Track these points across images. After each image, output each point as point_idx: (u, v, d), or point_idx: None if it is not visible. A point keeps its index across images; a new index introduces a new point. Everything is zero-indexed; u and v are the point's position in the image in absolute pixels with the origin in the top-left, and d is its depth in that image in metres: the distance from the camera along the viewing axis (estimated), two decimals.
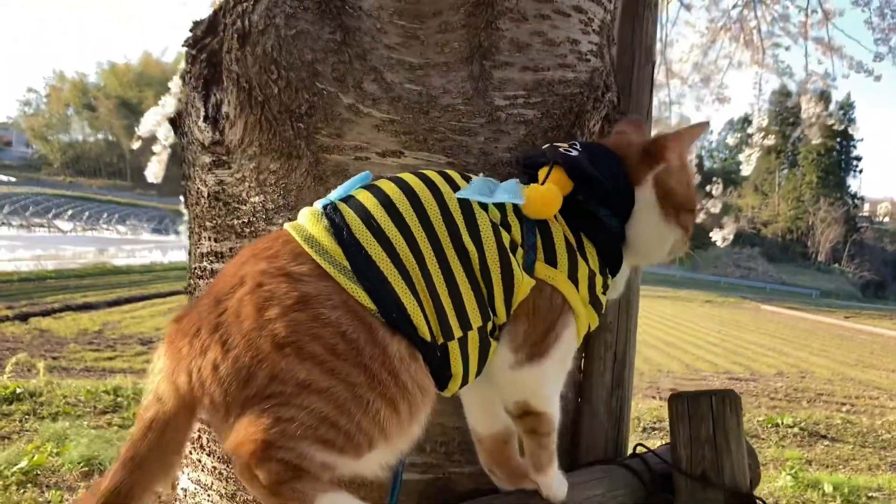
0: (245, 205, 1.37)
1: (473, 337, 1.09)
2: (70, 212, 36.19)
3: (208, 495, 1.41)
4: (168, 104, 3.75)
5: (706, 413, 1.40)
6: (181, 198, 1.57)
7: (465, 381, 1.13)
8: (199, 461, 1.41)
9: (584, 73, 1.42)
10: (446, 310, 1.05)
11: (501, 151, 1.35)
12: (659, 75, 5.42)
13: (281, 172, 1.32)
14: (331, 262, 1.02)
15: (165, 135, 3.86)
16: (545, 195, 1.14)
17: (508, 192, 1.13)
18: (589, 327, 1.22)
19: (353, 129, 1.30)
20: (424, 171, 1.14)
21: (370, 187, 1.11)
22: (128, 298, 15.54)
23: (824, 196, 62.56)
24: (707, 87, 5.57)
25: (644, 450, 1.52)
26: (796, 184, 65.39)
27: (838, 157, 66.00)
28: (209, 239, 1.44)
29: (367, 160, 1.30)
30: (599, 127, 1.45)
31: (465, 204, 1.10)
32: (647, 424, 6.81)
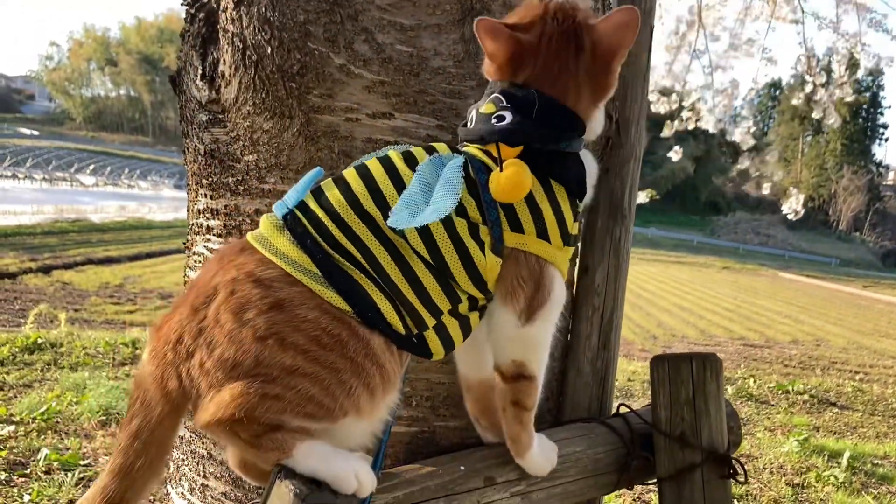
0: (239, 163, 1.40)
1: (449, 320, 1.13)
2: (92, 166, 36.46)
3: (203, 443, 1.46)
4: None
5: (686, 376, 1.43)
6: (182, 154, 1.61)
7: (449, 352, 1.17)
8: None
9: None
10: (414, 305, 1.08)
11: None
12: (698, 40, 5.32)
13: (273, 132, 1.35)
14: (300, 269, 1.05)
15: None
16: (511, 181, 1.10)
17: (445, 193, 1.07)
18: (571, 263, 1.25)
19: (344, 90, 1.32)
20: (369, 166, 1.13)
21: (318, 194, 1.11)
22: (148, 253, 15.75)
23: (848, 164, 61.55)
24: (751, 47, 5.46)
25: (626, 410, 1.56)
26: (820, 151, 64.30)
27: (864, 124, 64.71)
28: (205, 196, 1.48)
29: (358, 121, 1.32)
30: None
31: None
32: None
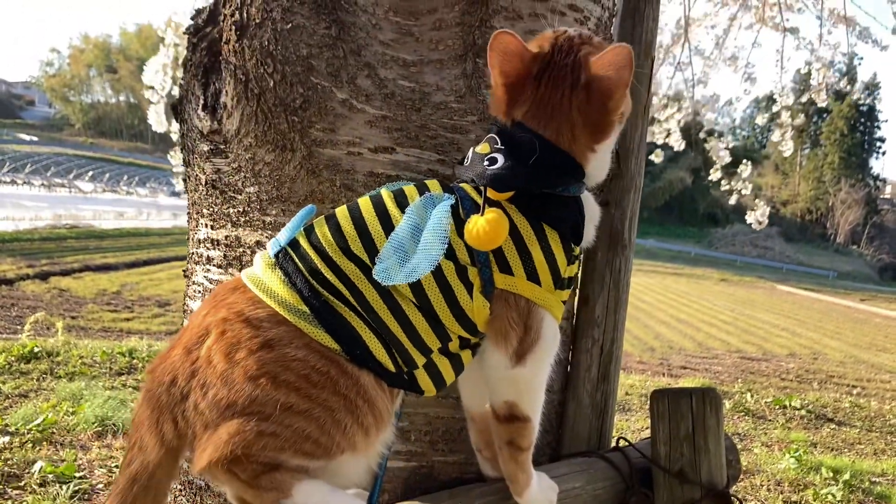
0: (240, 194, 1.40)
1: (439, 358, 1.13)
2: (91, 173, 36.46)
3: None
4: (164, 55, 3.87)
5: (686, 412, 1.43)
6: (182, 182, 1.60)
7: (441, 389, 1.17)
8: None
9: None
10: (404, 344, 1.09)
11: None
12: (682, 54, 5.36)
13: (275, 164, 1.35)
14: (289, 308, 1.05)
15: (161, 84, 3.95)
16: (487, 230, 1.06)
17: (429, 248, 1.06)
18: (564, 303, 1.22)
19: (346, 125, 1.32)
20: (361, 206, 1.12)
21: (309, 232, 1.11)
22: (146, 261, 15.72)
23: (845, 177, 61.73)
24: (734, 65, 5.50)
25: (626, 443, 1.55)
26: (818, 164, 64.53)
27: (861, 137, 64.96)
28: (206, 226, 1.48)
29: (360, 155, 1.33)
30: None
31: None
32: None
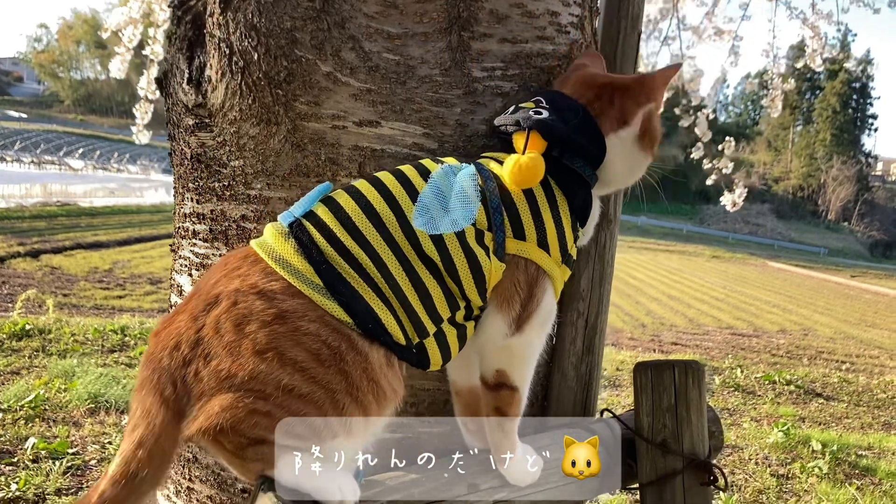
0: (226, 168, 1.40)
1: (448, 328, 1.15)
2: (81, 150, 36.19)
3: (188, 446, 1.47)
4: (134, 8, 3.86)
5: (669, 384, 1.45)
6: (169, 157, 1.60)
7: (446, 361, 1.18)
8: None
9: (563, 46, 1.43)
10: (418, 313, 1.10)
11: (478, 123, 1.37)
12: (671, 27, 5.33)
13: (260, 138, 1.35)
14: (303, 280, 1.05)
15: (129, 38, 3.93)
16: (528, 165, 1.14)
17: (465, 202, 1.13)
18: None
19: (330, 98, 1.32)
20: (381, 177, 1.15)
21: (328, 202, 1.13)
22: (138, 238, 15.70)
23: (837, 154, 61.87)
24: (721, 38, 5.47)
25: (610, 415, 1.57)
26: (810, 141, 64.54)
27: (854, 114, 64.99)
28: (192, 200, 1.48)
29: (345, 129, 1.32)
30: None
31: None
32: None
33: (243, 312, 1.02)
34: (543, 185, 1.19)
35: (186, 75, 1.43)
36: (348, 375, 1.04)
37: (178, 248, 1.55)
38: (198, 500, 1.45)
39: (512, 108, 1.25)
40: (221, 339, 1.02)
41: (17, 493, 3.34)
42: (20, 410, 4.35)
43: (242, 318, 1.02)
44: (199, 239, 1.47)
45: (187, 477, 1.46)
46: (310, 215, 1.11)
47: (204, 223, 1.45)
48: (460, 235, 1.11)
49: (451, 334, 1.16)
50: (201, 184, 1.44)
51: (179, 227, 1.54)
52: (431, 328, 1.12)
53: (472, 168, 1.18)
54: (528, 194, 1.18)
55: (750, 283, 21.05)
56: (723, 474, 1.46)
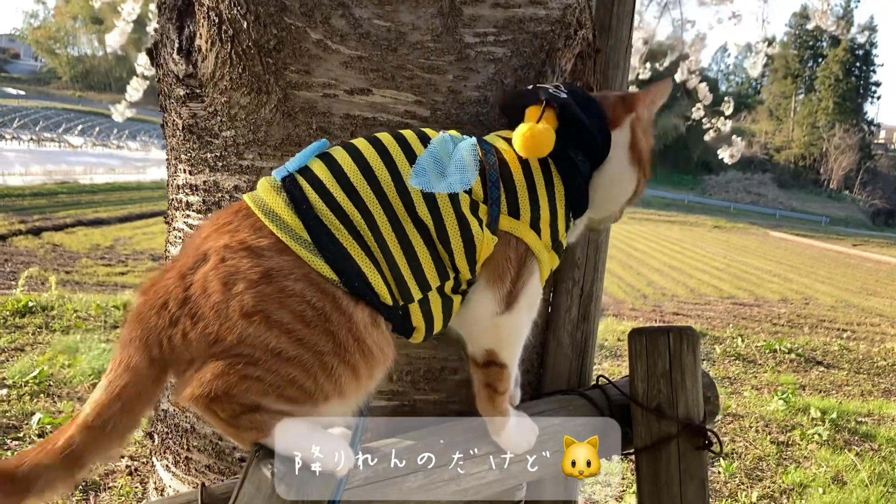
0: (217, 138, 1.39)
1: (434, 297, 1.14)
2: (80, 127, 36.01)
3: (186, 417, 1.48)
4: None
5: (663, 349, 1.45)
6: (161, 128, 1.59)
7: (429, 333, 1.18)
8: None
9: (556, 11, 1.41)
10: (405, 276, 1.09)
11: (470, 90, 1.36)
12: None
13: (251, 107, 1.34)
14: (291, 235, 1.05)
15: (129, 12, 3.88)
16: (541, 134, 1.15)
17: (463, 169, 1.14)
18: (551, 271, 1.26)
19: (321, 66, 1.30)
20: (381, 137, 1.15)
21: (325, 157, 1.12)
22: (139, 214, 15.69)
23: (840, 122, 61.41)
24: (722, 3, 5.42)
25: (605, 381, 1.58)
26: (812, 109, 64.01)
27: (856, 82, 64.41)
28: (184, 171, 1.47)
29: (336, 97, 1.31)
30: (572, 65, 1.45)
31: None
32: None
33: (230, 270, 1.02)
34: (543, 169, 1.20)
35: (176, 45, 1.42)
36: (334, 336, 1.03)
37: (172, 220, 1.54)
38: (196, 470, 1.46)
39: (529, 87, 1.26)
40: (209, 299, 1.01)
41: None
42: (25, 386, 4.38)
43: (229, 276, 1.01)
44: (193, 210, 1.46)
45: (185, 447, 1.48)
46: (304, 170, 1.11)
47: (197, 194, 1.45)
48: (455, 202, 1.11)
49: (435, 304, 1.15)
50: (193, 155, 1.44)
51: (173, 199, 1.53)
52: (417, 294, 1.11)
53: (472, 140, 1.19)
54: (527, 174, 1.18)
55: (751, 253, 21.04)
56: (718, 439, 1.46)
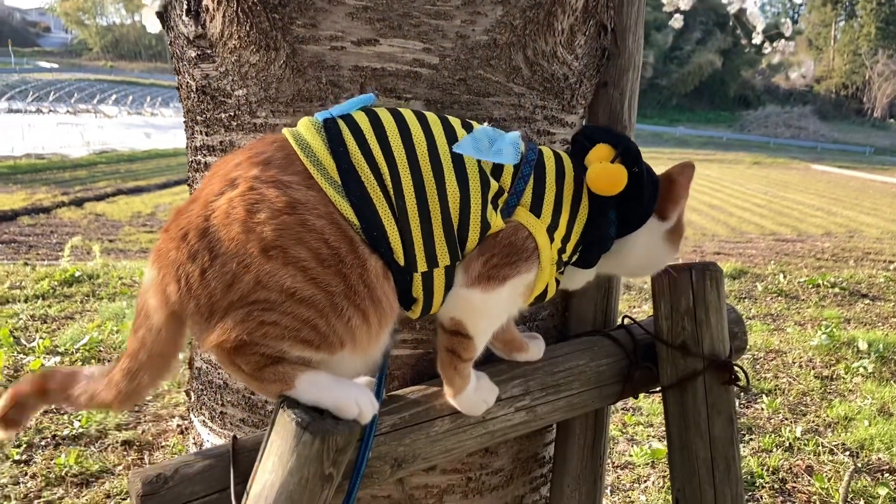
0: (230, 98, 1.40)
1: (439, 274, 1.13)
2: (114, 96, 36.38)
3: (218, 374, 1.52)
4: None
5: (686, 287, 1.44)
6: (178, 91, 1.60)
7: (426, 311, 1.18)
8: None
9: None
10: (415, 245, 1.09)
11: (479, 34, 1.33)
12: None
13: (260, 65, 1.34)
14: (322, 173, 1.05)
15: None
16: (616, 174, 1.18)
17: (509, 148, 1.16)
18: (541, 296, 1.26)
19: (327, 18, 1.29)
20: (426, 113, 1.16)
21: (368, 112, 1.13)
22: (177, 181, 15.87)
23: (883, 48, 58.93)
24: None
25: (630, 321, 1.58)
26: (853, 36, 61.47)
27: None
28: (201, 133, 1.48)
29: (343, 49, 1.31)
30: (584, 2, 1.41)
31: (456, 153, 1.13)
32: None
33: (257, 198, 1.02)
34: (576, 191, 1.22)
35: (185, 6, 1.42)
36: (346, 278, 1.04)
37: (193, 181, 1.57)
38: (231, 423, 1.51)
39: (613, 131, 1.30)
40: (230, 230, 1.01)
41: (81, 430, 3.51)
42: (76, 353, 4.53)
43: (254, 203, 1.02)
44: None
45: (220, 402, 1.52)
46: (346, 117, 1.12)
47: (214, 154, 1.46)
48: (485, 186, 1.13)
49: (439, 281, 1.14)
50: (208, 115, 1.45)
51: (192, 161, 1.55)
52: (422, 266, 1.11)
53: (518, 133, 1.21)
54: (559, 186, 1.20)
55: (793, 188, 20.57)
56: (745, 373, 1.46)
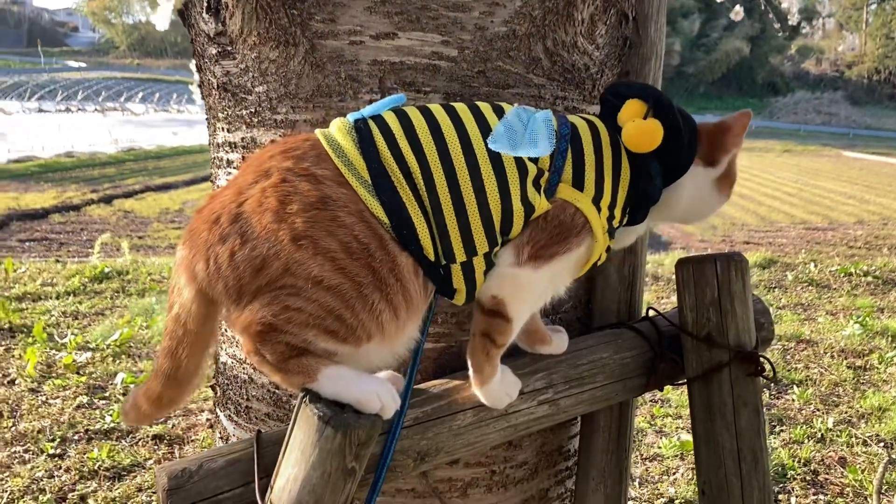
0: (251, 95, 1.41)
1: (479, 262, 1.14)
2: (141, 94, 36.76)
3: (244, 368, 1.53)
4: None
5: (711, 277, 1.42)
6: (198, 88, 1.61)
7: (470, 297, 1.18)
8: (235, 337, 1.52)
9: None
10: (451, 237, 1.10)
11: (498, 25, 1.33)
12: None
13: (280, 61, 1.34)
14: (353, 172, 1.07)
15: None
16: (651, 130, 1.17)
17: (544, 133, 1.16)
18: (595, 263, 1.26)
19: (345, 13, 1.29)
20: (455, 105, 1.17)
21: (398, 112, 1.14)
22: (204, 177, 16.02)
23: None
24: None
25: (654, 313, 1.56)
26: (886, 19, 60.15)
27: None
28: (223, 130, 1.49)
29: (362, 44, 1.30)
30: None
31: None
32: None
33: (289, 190, 1.04)
34: (615, 154, 1.21)
35: (205, 3, 1.42)
36: (376, 271, 1.05)
37: (215, 178, 1.58)
38: (256, 418, 1.52)
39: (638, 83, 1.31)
40: (262, 218, 1.04)
41: (112, 425, 3.58)
42: (107, 349, 4.60)
43: (287, 195, 1.04)
44: (234, 168, 1.49)
45: (245, 397, 1.53)
46: (377, 118, 1.13)
47: (236, 151, 1.47)
48: (522, 173, 1.13)
49: (479, 268, 1.14)
50: (230, 112, 1.46)
51: (214, 158, 1.56)
52: (461, 256, 1.12)
53: (548, 112, 1.21)
54: (598, 154, 1.19)
55: (824, 176, 20.22)
56: (771, 364, 1.44)
